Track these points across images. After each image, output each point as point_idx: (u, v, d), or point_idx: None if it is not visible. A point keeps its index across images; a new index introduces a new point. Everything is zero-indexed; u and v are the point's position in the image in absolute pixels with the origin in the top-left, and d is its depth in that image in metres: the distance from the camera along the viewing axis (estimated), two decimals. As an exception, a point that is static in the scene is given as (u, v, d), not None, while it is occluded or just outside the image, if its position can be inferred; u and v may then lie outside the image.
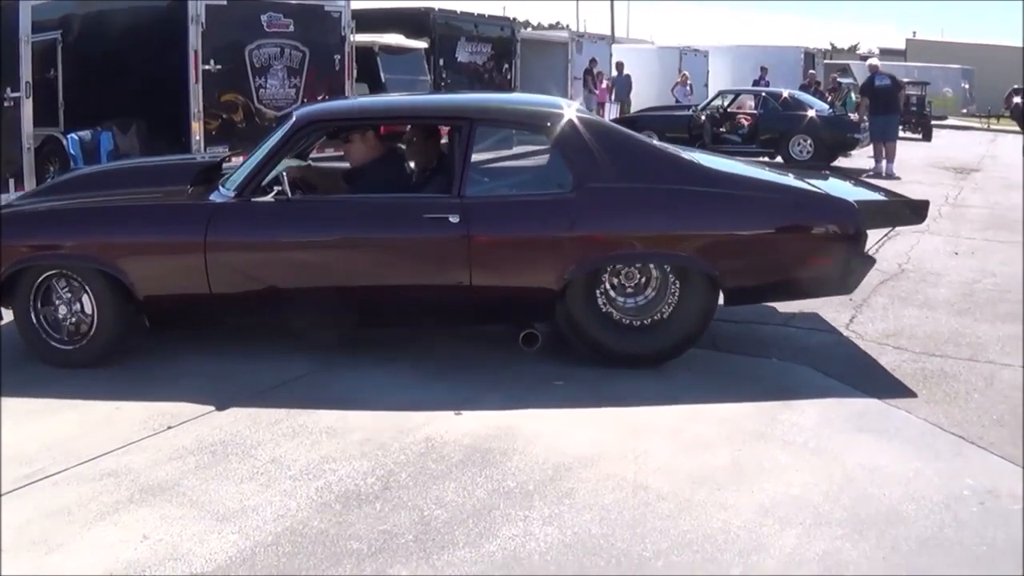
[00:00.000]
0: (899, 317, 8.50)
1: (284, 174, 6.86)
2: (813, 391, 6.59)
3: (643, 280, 7.05)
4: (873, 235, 7.18)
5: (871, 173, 20.23)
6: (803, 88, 30.08)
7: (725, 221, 6.99)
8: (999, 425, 6.04)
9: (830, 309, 8.51)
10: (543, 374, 6.89)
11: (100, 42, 15.52)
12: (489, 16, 25.10)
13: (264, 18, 15.45)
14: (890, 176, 19.89)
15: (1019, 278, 10.09)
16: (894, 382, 6.82)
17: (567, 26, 34.63)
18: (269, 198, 6.89)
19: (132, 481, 5.15)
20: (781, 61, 37.54)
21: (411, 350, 7.44)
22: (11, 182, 11.86)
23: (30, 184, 11.89)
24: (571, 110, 7.30)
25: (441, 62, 22.36)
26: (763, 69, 34.11)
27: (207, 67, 14.57)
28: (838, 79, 37.18)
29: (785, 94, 24.31)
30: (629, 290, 7.06)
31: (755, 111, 23.78)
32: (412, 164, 7.99)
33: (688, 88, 32.42)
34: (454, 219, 6.75)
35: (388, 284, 6.99)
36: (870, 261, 7.20)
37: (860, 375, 6.94)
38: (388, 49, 19.66)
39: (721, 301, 7.07)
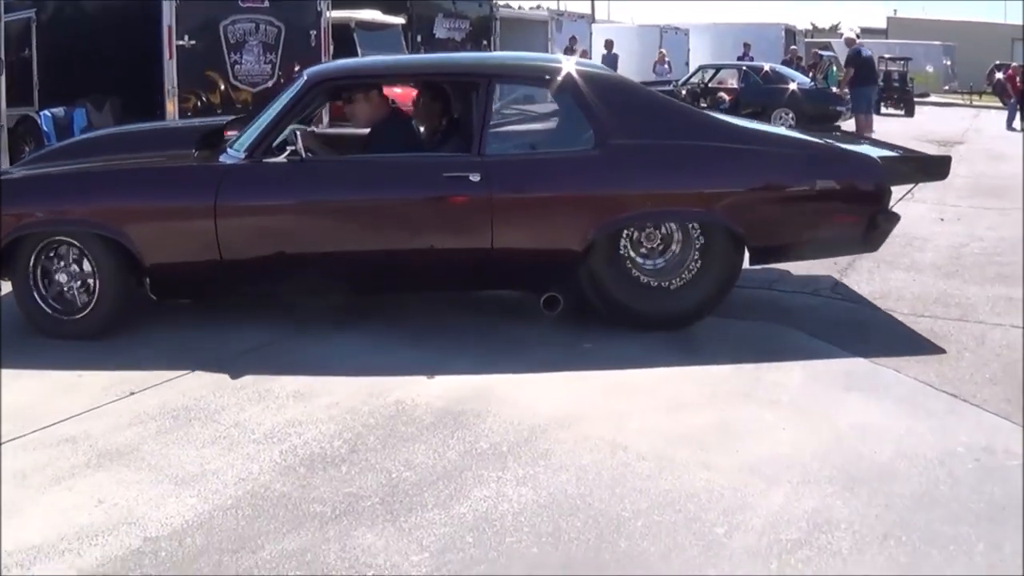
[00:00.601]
0: (886, 280, 8.30)
1: (297, 134, 6.60)
2: (799, 352, 6.38)
3: (666, 240, 6.86)
4: (896, 193, 7.00)
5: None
6: (785, 64, 29.92)
7: (751, 178, 6.80)
8: (992, 383, 5.84)
9: (814, 273, 8.31)
10: (519, 338, 6.68)
11: (75, 20, 15.28)
12: (466, -9, 24.84)
13: (239, -7, 15.20)
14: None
15: (1008, 242, 9.93)
16: (882, 343, 6.61)
17: (546, 8, 34.54)
18: (281, 159, 6.63)
19: (90, 446, 4.94)
20: (762, 38, 37.39)
21: (384, 315, 7.21)
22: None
23: (4, 164, 11.62)
24: (590, 67, 7.06)
25: (419, 38, 22.10)
26: (746, 45, 33.92)
27: (181, 43, 14.28)
28: (819, 52, 37.00)
29: (766, 68, 24.21)
30: (652, 250, 6.86)
31: (737, 85, 23.59)
32: (420, 126, 7.74)
33: (667, 66, 32.20)
34: (475, 178, 6.51)
35: (408, 248, 6.72)
36: (894, 217, 6.98)
37: (847, 336, 6.72)
38: (365, 25, 19.38)
39: (746, 262, 6.91)
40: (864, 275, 8.42)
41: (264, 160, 6.66)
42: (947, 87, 49.79)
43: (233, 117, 8.66)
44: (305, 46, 16.27)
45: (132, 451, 4.88)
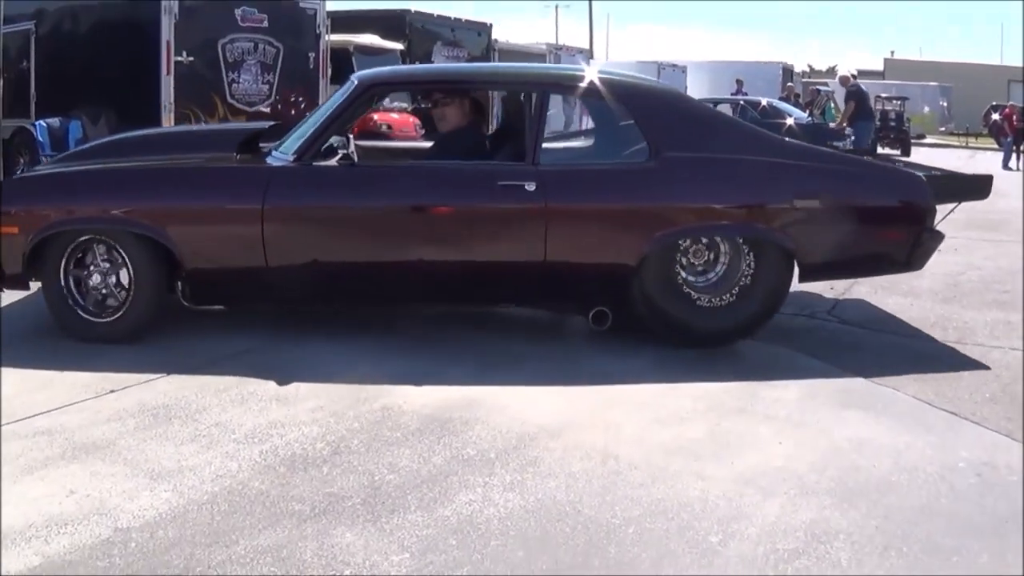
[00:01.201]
0: (884, 304, 8.18)
1: (350, 137, 6.45)
2: (796, 371, 6.25)
3: (713, 256, 6.76)
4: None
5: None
6: (782, 100, 29.92)
7: (803, 194, 6.71)
8: (992, 402, 5.71)
9: (811, 296, 8.20)
10: (514, 352, 6.54)
11: (73, 33, 15.31)
12: (466, 20, 24.80)
13: (238, 12, 15.12)
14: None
15: (1005, 271, 9.87)
16: (880, 363, 6.46)
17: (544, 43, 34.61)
18: (333, 162, 6.50)
19: (66, 439, 4.81)
20: (760, 76, 37.56)
21: (374, 325, 7.08)
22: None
23: (-2, 175, 11.53)
24: (645, 80, 7.00)
25: (417, 64, 22.06)
26: (738, 82, 33.93)
27: (179, 59, 14.21)
28: (817, 88, 37.05)
29: (764, 103, 24.24)
30: (700, 266, 6.76)
31: (734, 120, 23.54)
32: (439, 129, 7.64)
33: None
34: (530, 187, 6.38)
35: (460, 258, 6.57)
36: (939, 236, 6.91)
37: (844, 357, 6.59)
38: (363, 49, 19.34)
39: (795, 279, 6.83)
40: (862, 299, 8.31)
41: (314, 163, 6.53)
42: (943, 128, 49.90)
43: (272, 123, 8.55)
44: (303, 68, 16.20)
45: (108, 445, 4.75)
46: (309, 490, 4.29)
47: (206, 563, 3.65)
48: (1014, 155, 28.68)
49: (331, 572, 3.64)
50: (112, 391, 5.52)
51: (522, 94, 7.34)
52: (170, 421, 5.10)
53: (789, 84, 36.14)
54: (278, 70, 15.72)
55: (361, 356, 6.35)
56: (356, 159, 6.47)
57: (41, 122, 13.68)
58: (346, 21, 19.39)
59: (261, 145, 7.30)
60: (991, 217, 14.14)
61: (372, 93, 7.13)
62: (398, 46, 20.70)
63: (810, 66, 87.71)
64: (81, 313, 6.52)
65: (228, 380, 5.74)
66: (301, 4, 16.18)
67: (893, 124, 35.25)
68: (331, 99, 7.12)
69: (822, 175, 6.82)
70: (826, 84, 43.64)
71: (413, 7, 22.49)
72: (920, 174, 7.07)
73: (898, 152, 33.60)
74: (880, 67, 64.49)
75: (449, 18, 23.98)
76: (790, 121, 22.62)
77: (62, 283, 6.49)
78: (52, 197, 6.61)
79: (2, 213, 6.44)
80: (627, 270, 6.50)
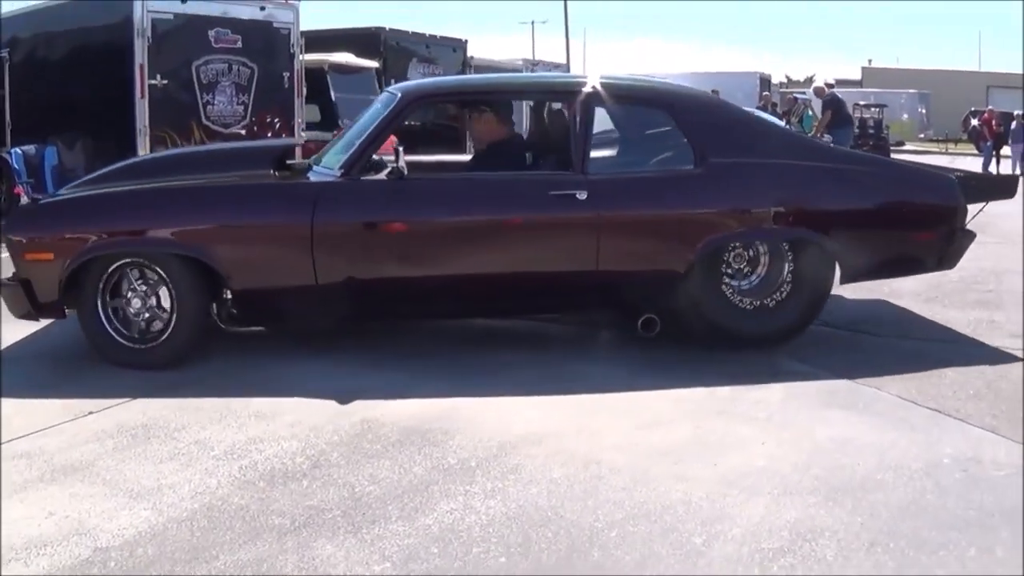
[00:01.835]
0: (865, 306, 8.16)
1: (399, 150, 6.38)
2: (778, 373, 6.24)
3: (753, 260, 6.81)
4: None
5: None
6: (760, 110, 29.90)
7: (842, 196, 6.86)
8: (976, 399, 5.69)
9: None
10: (495, 362, 6.52)
11: (47, 59, 15.21)
12: (441, 37, 24.73)
13: (212, 33, 14.97)
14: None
15: (987, 271, 9.90)
16: (862, 364, 6.44)
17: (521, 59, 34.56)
18: (382, 176, 6.45)
19: (45, 462, 4.77)
20: (738, 87, 37.54)
21: (355, 341, 6.99)
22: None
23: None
24: (687, 88, 7.03)
25: (392, 82, 21.99)
26: (714, 92, 33.89)
27: (153, 82, 14.10)
28: (795, 96, 37.08)
29: (742, 112, 24.08)
30: (743, 270, 6.79)
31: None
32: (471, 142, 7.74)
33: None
34: (582, 196, 6.40)
35: (511, 270, 6.55)
36: (970, 235, 7.10)
37: (827, 358, 6.58)
38: (338, 68, 19.21)
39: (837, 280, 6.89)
40: (844, 300, 8.28)
41: (362, 178, 6.47)
42: (922, 135, 49.95)
43: (305, 139, 8.52)
44: (278, 88, 16.05)
45: (87, 466, 4.70)
46: (289, 504, 4.25)
47: (186, 579, 3.61)
48: (994, 159, 28.75)
49: (312, 584, 3.60)
50: (91, 413, 5.46)
51: (559, 103, 7.43)
52: (149, 440, 5.05)
53: (765, 93, 36.18)
54: (253, 91, 15.56)
55: (339, 370, 6.30)
56: (406, 172, 6.37)
57: (16, 150, 13.54)
58: (320, 40, 19.28)
59: (289, 163, 7.27)
60: (976, 219, 14.15)
61: (416, 107, 7.15)
62: (373, 64, 20.62)
63: (787, 76, 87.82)
64: (120, 340, 6.35)
65: (206, 399, 5.68)
66: (274, 24, 16.08)
67: (872, 132, 35.28)
68: (371, 112, 7.06)
69: (862, 178, 6.95)
70: (804, 93, 43.82)
71: (388, 25, 22.42)
72: (951, 175, 7.19)
73: (877, 159, 33.63)
74: (858, 76, 64.66)
75: (424, 35, 23.89)
76: (768, 129, 22.56)
77: (99, 310, 6.32)
78: (90, 220, 6.43)
79: (34, 239, 6.36)
80: (676, 276, 6.53)
